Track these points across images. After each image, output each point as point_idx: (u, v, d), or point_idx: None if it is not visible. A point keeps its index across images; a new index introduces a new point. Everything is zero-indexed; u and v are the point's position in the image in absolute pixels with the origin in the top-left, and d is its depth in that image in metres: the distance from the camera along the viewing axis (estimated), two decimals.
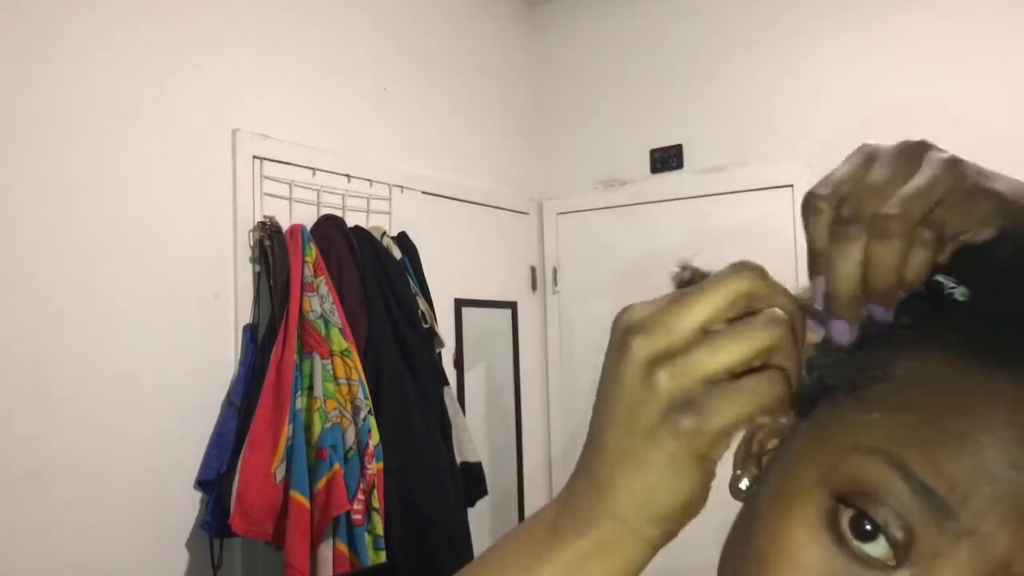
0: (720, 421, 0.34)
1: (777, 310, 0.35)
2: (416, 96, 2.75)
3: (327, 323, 2.03)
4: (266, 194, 2.19)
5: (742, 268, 0.36)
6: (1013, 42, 2.44)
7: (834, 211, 0.36)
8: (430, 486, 2.24)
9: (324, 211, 2.30)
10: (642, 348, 0.35)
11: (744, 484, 0.42)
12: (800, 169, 2.68)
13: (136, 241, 1.90)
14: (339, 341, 2.03)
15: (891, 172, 0.36)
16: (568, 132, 3.28)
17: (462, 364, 2.82)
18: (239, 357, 2.07)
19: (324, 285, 2.07)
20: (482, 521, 2.69)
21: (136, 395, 1.88)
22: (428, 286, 2.46)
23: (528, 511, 3.05)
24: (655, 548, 0.38)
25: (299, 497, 1.86)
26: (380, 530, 2.00)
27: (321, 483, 1.90)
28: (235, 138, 2.12)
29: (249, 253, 2.12)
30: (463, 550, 2.29)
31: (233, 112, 2.13)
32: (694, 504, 0.37)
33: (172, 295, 1.97)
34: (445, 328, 2.59)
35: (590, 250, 3.19)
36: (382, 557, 1.99)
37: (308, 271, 2.06)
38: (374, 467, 2.01)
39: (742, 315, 0.35)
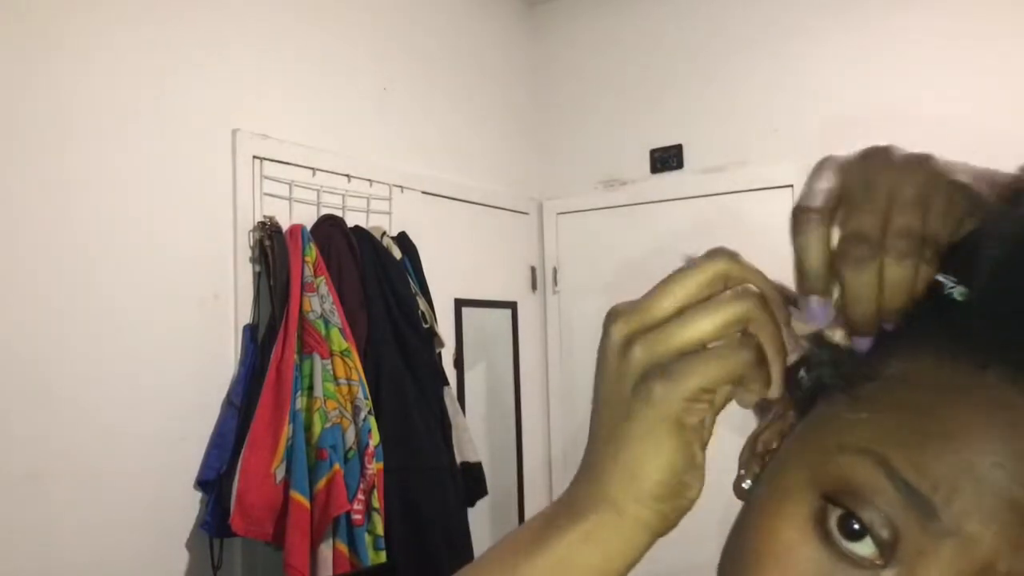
0: (689, 384, 0.35)
1: (749, 285, 0.37)
2: (416, 96, 2.75)
3: (327, 323, 2.03)
4: (266, 194, 2.19)
5: (716, 252, 0.37)
6: (1013, 42, 2.44)
7: (827, 227, 0.36)
8: (430, 486, 2.24)
9: (324, 211, 2.31)
10: (619, 331, 0.37)
11: (747, 484, 0.42)
12: (800, 169, 2.68)
13: (136, 241, 1.90)
14: (339, 341, 2.03)
15: (873, 182, 0.36)
16: (568, 132, 3.28)
17: (462, 364, 2.82)
18: (239, 357, 2.07)
19: (324, 285, 2.07)
20: (482, 521, 2.69)
21: (136, 395, 1.88)
22: (428, 286, 2.46)
23: (528, 511, 3.05)
24: (652, 532, 0.39)
25: (299, 497, 1.86)
26: (380, 530, 2.00)
27: (321, 483, 1.90)
28: (235, 138, 2.12)
29: (249, 253, 2.12)
30: (463, 550, 2.29)
31: (233, 112, 2.13)
32: (679, 476, 0.37)
33: (172, 295, 1.97)
34: (445, 328, 2.59)
35: (590, 250, 3.19)
36: (382, 557, 1.99)
37: (308, 271, 2.06)
38: (374, 467, 2.01)
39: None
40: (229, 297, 2.08)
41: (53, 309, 1.75)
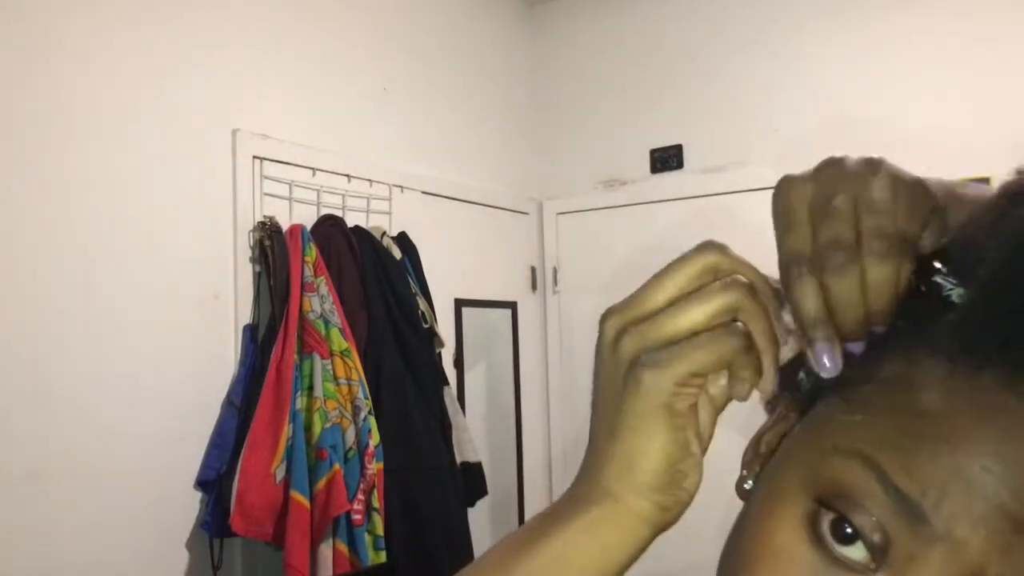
0: (677, 369, 0.36)
1: (739, 276, 0.37)
2: (416, 96, 2.75)
3: (327, 323, 2.03)
4: (266, 194, 2.19)
5: (705, 245, 0.38)
6: (1013, 42, 2.44)
7: (817, 275, 0.36)
8: (430, 486, 2.24)
9: (324, 211, 2.30)
10: (612, 326, 0.38)
11: (749, 484, 0.42)
12: (800, 169, 2.68)
13: (136, 241, 1.90)
14: (339, 341, 2.03)
15: (835, 193, 0.36)
16: (568, 132, 3.28)
17: (462, 364, 2.82)
18: (239, 357, 2.07)
19: (324, 285, 2.07)
20: (482, 521, 2.69)
21: (136, 395, 1.88)
22: (428, 286, 2.46)
23: (528, 511, 3.05)
24: (652, 525, 0.39)
25: (299, 497, 1.86)
26: (380, 530, 2.00)
27: (321, 483, 1.90)
28: (235, 138, 2.12)
29: (249, 253, 2.12)
30: (463, 550, 2.29)
31: (233, 112, 2.13)
32: (675, 465, 0.38)
33: (172, 295, 1.97)
34: (445, 328, 2.59)
35: (590, 250, 3.19)
36: (382, 557, 1.99)
37: (308, 271, 2.06)
38: (374, 467, 2.01)
39: None
40: (229, 297, 2.08)
41: (53, 309, 1.75)
